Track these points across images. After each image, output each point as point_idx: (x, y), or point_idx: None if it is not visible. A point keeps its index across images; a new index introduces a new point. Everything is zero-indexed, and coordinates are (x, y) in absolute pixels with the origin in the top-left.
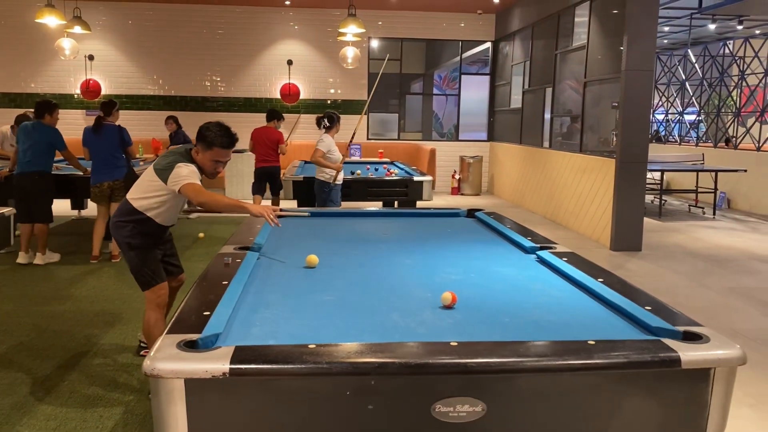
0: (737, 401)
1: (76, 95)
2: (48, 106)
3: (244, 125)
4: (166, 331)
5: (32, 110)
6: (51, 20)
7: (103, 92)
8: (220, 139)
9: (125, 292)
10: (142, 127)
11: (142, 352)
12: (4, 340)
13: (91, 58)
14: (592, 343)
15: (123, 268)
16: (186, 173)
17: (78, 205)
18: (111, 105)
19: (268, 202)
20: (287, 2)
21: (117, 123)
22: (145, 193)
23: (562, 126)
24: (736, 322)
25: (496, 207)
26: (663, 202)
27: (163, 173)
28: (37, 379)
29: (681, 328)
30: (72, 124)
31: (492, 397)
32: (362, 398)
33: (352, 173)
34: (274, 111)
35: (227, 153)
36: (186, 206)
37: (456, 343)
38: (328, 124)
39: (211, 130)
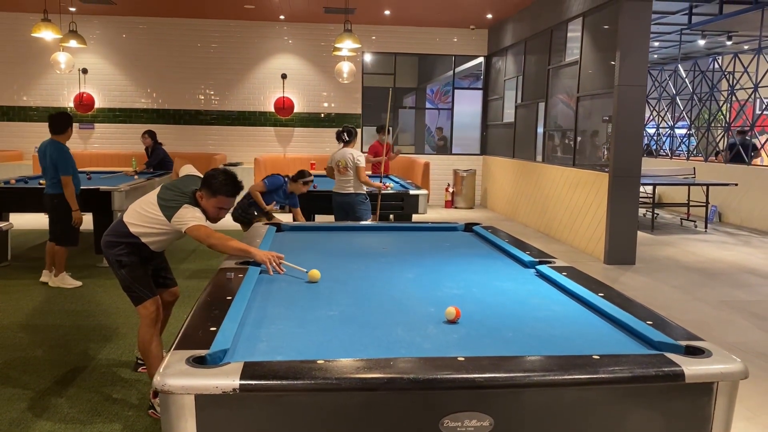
0: (734, 414)
1: (69, 109)
2: (64, 119)
3: (238, 138)
4: (173, 346)
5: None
6: (47, 34)
7: (96, 106)
8: (225, 187)
9: (121, 307)
10: (135, 141)
11: (139, 369)
12: (1, 354)
13: (84, 71)
14: (597, 357)
15: (117, 282)
16: (191, 216)
17: None
18: None
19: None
20: (281, 17)
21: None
22: (144, 222)
23: (563, 140)
24: (731, 335)
25: (489, 220)
26: (655, 215)
27: (168, 210)
28: (35, 395)
29: (683, 343)
30: None
31: (499, 411)
32: (371, 413)
33: None
34: (380, 126)
35: (231, 201)
36: None
37: (463, 358)
38: (347, 138)
39: (217, 178)
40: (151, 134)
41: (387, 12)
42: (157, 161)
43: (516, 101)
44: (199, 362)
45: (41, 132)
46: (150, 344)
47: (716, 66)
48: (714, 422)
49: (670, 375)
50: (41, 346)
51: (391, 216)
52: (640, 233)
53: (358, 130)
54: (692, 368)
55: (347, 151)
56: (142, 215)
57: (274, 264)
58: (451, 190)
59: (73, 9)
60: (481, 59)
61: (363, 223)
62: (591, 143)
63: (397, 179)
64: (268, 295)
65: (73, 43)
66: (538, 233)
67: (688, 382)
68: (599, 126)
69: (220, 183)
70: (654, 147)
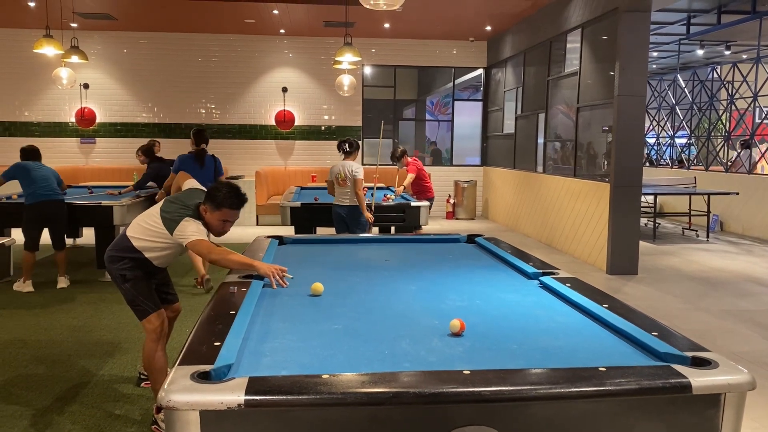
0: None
1: (70, 123)
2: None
3: (239, 151)
4: (177, 361)
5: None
6: (49, 50)
7: (97, 120)
8: (230, 200)
9: (122, 321)
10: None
11: (142, 384)
12: (3, 371)
13: (86, 86)
14: (603, 369)
15: (119, 297)
16: (193, 230)
17: (73, 233)
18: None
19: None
20: (282, 31)
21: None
22: (147, 236)
23: (563, 150)
24: (736, 345)
25: (491, 231)
26: (657, 225)
27: (170, 223)
28: (38, 412)
29: (689, 354)
30: (67, 153)
31: (506, 425)
32: (376, 428)
33: None
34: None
35: (236, 213)
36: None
37: (468, 372)
38: (348, 149)
39: (220, 191)
40: (145, 152)
41: (386, 25)
42: (147, 180)
43: (516, 112)
44: (204, 378)
45: (42, 147)
46: (154, 359)
47: (715, 75)
48: None
49: (677, 387)
50: (43, 362)
51: (392, 228)
52: (642, 243)
53: (359, 143)
54: (699, 380)
55: (346, 164)
56: (144, 228)
57: (278, 277)
58: (452, 201)
59: (74, 24)
60: (480, 71)
61: (365, 235)
62: (591, 153)
63: (393, 189)
64: (272, 309)
65: (74, 59)
66: (540, 244)
67: (696, 394)
68: (599, 136)
69: (224, 196)
70: (654, 157)
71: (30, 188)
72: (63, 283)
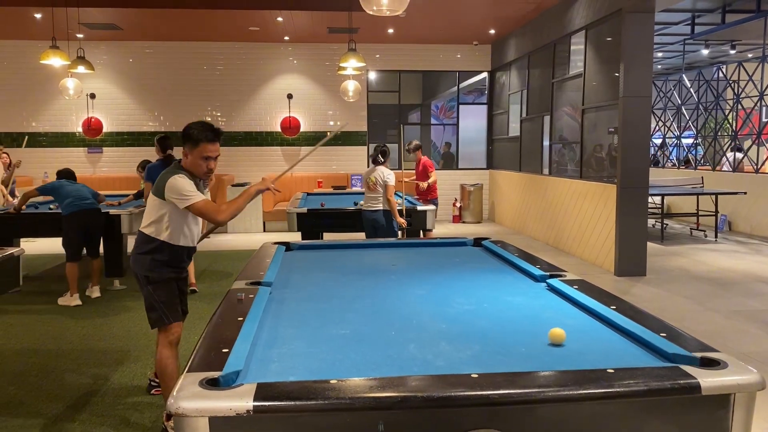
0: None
1: (77, 133)
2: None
3: (245, 158)
4: (186, 369)
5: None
6: (56, 61)
7: (104, 130)
8: (205, 133)
9: (132, 330)
10: None
11: (153, 391)
12: (14, 380)
13: (92, 96)
14: (612, 371)
15: (128, 305)
16: (186, 189)
17: None
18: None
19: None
20: (286, 38)
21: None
22: (152, 217)
23: (569, 152)
24: (745, 345)
25: (497, 234)
26: (664, 226)
27: (159, 191)
28: (48, 420)
29: (698, 354)
30: (75, 162)
31: (514, 428)
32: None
33: (355, 204)
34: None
35: (215, 147)
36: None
37: (477, 375)
38: (382, 160)
39: (193, 128)
40: (144, 166)
41: (390, 30)
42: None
43: (521, 115)
44: (213, 384)
45: (50, 158)
46: (168, 367)
47: (721, 75)
48: None
49: (686, 387)
50: (53, 371)
51: (399, 233)
52: (649, 244)
53: (389, 150)
54: (708, 380)
55: (378, 169)
56: (147, 213)
57: (272, 186)
58: (458, 204)
59: (80, 35)
60: (484, 74)
61: (372, 240)
62: (597, 155)
63: (399, 194)
64: (279, 314)
65: (81, 69)
66: (547, 246)
67: (705, 395)
68: (605, 138)
69: (198, 131)
70: (660, 157)
71: (64, 201)
72: (96, 292)
